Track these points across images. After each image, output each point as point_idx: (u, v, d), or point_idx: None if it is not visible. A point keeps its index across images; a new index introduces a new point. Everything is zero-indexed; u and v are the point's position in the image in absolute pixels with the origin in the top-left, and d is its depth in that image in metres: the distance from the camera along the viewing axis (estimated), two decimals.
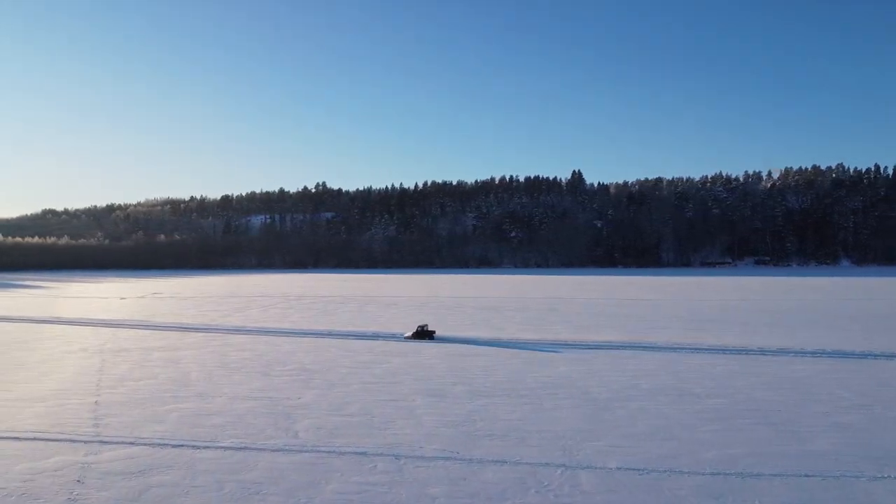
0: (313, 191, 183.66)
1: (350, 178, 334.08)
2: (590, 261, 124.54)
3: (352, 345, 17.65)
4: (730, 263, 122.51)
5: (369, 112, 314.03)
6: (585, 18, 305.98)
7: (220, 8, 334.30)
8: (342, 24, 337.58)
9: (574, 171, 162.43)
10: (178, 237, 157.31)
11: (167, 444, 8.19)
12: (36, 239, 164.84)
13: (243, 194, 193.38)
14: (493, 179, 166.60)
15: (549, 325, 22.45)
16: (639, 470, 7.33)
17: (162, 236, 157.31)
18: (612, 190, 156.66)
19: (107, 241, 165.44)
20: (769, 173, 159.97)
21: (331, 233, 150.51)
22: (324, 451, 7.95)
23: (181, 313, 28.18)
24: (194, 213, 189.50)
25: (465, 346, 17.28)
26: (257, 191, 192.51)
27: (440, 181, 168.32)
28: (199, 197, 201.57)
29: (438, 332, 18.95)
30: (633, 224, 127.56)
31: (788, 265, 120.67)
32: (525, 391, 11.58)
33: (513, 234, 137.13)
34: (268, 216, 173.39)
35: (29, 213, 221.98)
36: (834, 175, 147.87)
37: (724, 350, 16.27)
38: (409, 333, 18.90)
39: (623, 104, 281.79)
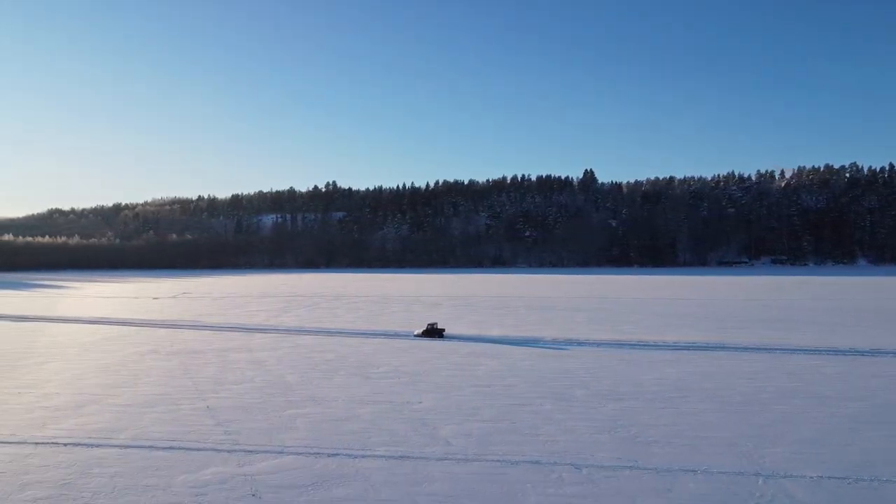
0: (323, 190, 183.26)
1: (360, 177, 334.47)
2: (605, 260, 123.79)
3: (429, 345, 17.05)
4: (746, 263, 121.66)
5: (378, 111, 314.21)
6: (590, 18, 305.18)
7: (223, 7, 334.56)
8: (349, 24, 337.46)
9: (586, 170, 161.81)
10: (189, 237, 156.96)
11: (320, 454, 7.62)
12: (46, 238, 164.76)
13: (251, 193, 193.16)
14: (504, 178, 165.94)
15: (617, 324, 21.83)
16: (845, 479, 6.77)
17: (173, 236, 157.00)
18: (624, 189, 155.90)
19: (118, 241, 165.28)
20: (781, 172, 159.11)
21: (343, 232, 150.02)
22: (493, 461, 7.38)
23: (225, 313, 27.66)
24: (204, 213, 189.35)
25: (550, 349, 16.67)
26: (266, 190, 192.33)
27: (451, 180, 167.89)
28: (206, 196, 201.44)
29: (512, 334, 18.37)
30: (649, 223, 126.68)
31: (805, 264, 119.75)
32: (649, 394, 10.99)
33: (527, 233, 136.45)
34: (279, 216, 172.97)
35: (35, 213, 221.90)
36: (848, 174, 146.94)
37: (833, 351, 15.64)
38: (419, 331, 18.61)
39: (632, 103, 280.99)
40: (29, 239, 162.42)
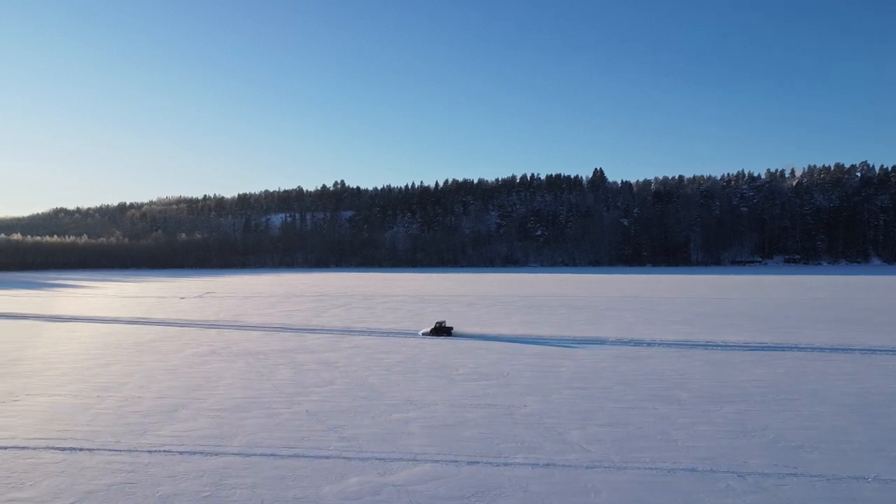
0: (331, 189, 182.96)
1: (367, 176, 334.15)
2: (617, 259, 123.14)
3: (493, 346, 16.61)
4: (759, 262, 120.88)
5: (385, 111, 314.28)
6: (597, 20, 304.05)
7: (227, 7, 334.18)
8: (355, 23, 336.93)
9: (596, 169, 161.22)
10: (198, 236, 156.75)
11: (458, 462, 7.19)
12: (55, 238, 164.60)
13: (257, 192, 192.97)
14: (513, 177, 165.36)
15: (670, 324, 21.34)
16: None
17: (183, 235, 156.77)
18: (634, 188, 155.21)
19: (127, 240, 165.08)
20: (792, 171, 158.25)
21: (353, 231, 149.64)
22: (645, 468, 6.95)
23: (261, 313, 27.27)
24: (212, 212, 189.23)
25: (619, 348, 16.21)
26: (273, 189, 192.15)
27: (460, 179, 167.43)
28: (212, 195, 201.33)
29: (567, 334, 17.91)
30: (661, 222, 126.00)
31: (819, 263, 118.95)
32: (756, 396, 10.57)
33: (538, 232, 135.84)
34: (288, 215, 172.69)
35: (40, 213, 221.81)
36: (859, 173, 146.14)
37: None
38: (428, 329, 18.63)
39: (640, 103, 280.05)
40: (38, 238, 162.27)
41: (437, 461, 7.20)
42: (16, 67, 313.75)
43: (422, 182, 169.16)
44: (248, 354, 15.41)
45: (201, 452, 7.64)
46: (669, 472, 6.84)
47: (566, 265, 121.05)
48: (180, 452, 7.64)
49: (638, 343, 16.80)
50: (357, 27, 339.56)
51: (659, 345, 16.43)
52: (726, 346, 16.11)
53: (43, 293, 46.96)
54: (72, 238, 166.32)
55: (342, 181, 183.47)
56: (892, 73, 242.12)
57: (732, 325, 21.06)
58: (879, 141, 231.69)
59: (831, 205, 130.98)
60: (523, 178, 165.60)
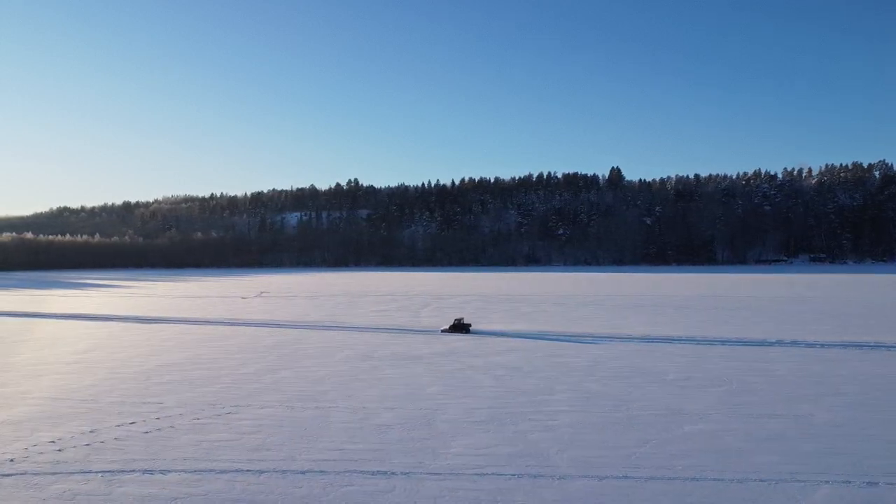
0: (345, 188, 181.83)
1: (381, 174, 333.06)
2: (641, 258, 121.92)
3: (586, 350, 15.57)
4: (785, 261, 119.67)
5: (398, 109, 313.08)
6: (611, 19, 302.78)
7: (228, 7, 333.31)
8: (367, 22, 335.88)
9: (613, 167, 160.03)
10: (214, 235, 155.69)
11: (657, 478, 6.04)
12: (67, 237, 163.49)
13: (267, 191, 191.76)
14: (531, 176, 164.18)
15: (753, 324, 20.29)
16: None
17: (199, 234, 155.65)
18: (653, 187, 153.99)
19: (141, 239, 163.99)
20: (809, 170, 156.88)
21: (371, 230, 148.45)
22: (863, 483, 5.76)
23: (347, 313, 26.34)
24: (226, 211, 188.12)
25: (730, 348, 15.07)
26: (286, 188, 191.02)
27: (476, 178, 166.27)
28: (219, 194, 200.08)
29: (663, 333, 16.89)
30: (684, 221, 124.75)
31: (845, 262, 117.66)
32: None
33: (560, 231, 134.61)
34: (304, 213, 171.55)
35: (44, 211, 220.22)
36: (877, 172, 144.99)
37: None
38: (447, 327, 18.91)
39: (649, 103, 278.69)
40: (51, 237, 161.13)
41: (637, 476, 6.03)
42: (15, 67, 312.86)
43: (438, 181, 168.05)
44: (408, 359, 14.31)
45: (500, 475, 6.51)
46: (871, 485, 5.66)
47: (589, 264, 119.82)
48: (478, 475, 6.51)
49: (749, 343, 15.63)
50: (362, 27, 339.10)
51: (740, 343, 15.28)
52: (831, 345, 15.12)
53: (94, 293, 45.93)
54: (84, 237, 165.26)
55: (356, 179, 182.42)
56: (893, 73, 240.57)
57: (818, 322, 19.89)
58: (881, 140, 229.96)
59: (855, 203, 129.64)
60: (540, 176, 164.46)
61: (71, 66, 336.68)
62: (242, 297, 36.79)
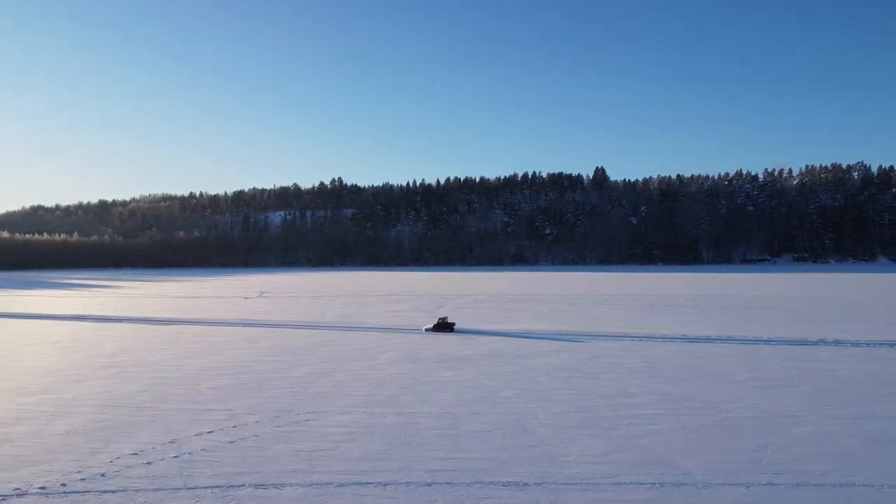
0: (329, 187, 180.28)
1: (364, 173, 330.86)
2: (628, 258, 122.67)
3: (631, 349, 15.33)
4: (769, 260, 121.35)
5: (382, 108, 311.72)
6: (592, 18, 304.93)
7: (212, 3, 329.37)
8: (353, 19, 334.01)
9: (597, 167, 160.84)
10: (197, 234, 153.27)
11: (803, 484, 5.79)
12: (45, 236, 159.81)
13: (247, 190, 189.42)
14: (516, 175, 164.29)
15: (780, 323, 20.17)
16: None
17: (181, 233, 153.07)
18: (637, 187, 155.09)
19: (120, 239, 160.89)
20: (789, 171, 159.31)
21: (356, 230, 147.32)
22: None
23: (369, 313, 25.76)
24: (207, 210, 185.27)
25: (780, 346, 14.97)
26: (268, 187, 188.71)
27: (462, 177, 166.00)
28: (199, 193, 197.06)
29: (712, 334, 16.72)
30: (669, 221, 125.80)
31: (827, 262, 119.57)
32: None
33: (547, 230, 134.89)
34: (287, 213, 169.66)
35: (17, 210, 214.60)
36: (856, 173, 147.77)
37: None
38: (431, 326, 19.21)
39: (634, 101, 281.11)
40: (28, 236, 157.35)
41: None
42: None
43: (423, 180, 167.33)
44: (457, 360, 13.91)
45: (625, 484, 6.14)
46: None
47: (576, 264, 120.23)
48: (597, 483, 6.13)
49: (856, 343, 15.53)
50: (346, 23, 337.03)
51: (772, 343, 15.19)
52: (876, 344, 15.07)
53: (86, 294, 44.71)
54: (63, 236, 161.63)
55: (340, 178, 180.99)
56: (867, 72, 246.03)
57: (844, 321, 19.94)
58: (858, 142, 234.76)
59: (836, 204, 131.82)
60: (525, 176, 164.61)
61: (42, 60, 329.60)
62: (245, 298, 36.01)
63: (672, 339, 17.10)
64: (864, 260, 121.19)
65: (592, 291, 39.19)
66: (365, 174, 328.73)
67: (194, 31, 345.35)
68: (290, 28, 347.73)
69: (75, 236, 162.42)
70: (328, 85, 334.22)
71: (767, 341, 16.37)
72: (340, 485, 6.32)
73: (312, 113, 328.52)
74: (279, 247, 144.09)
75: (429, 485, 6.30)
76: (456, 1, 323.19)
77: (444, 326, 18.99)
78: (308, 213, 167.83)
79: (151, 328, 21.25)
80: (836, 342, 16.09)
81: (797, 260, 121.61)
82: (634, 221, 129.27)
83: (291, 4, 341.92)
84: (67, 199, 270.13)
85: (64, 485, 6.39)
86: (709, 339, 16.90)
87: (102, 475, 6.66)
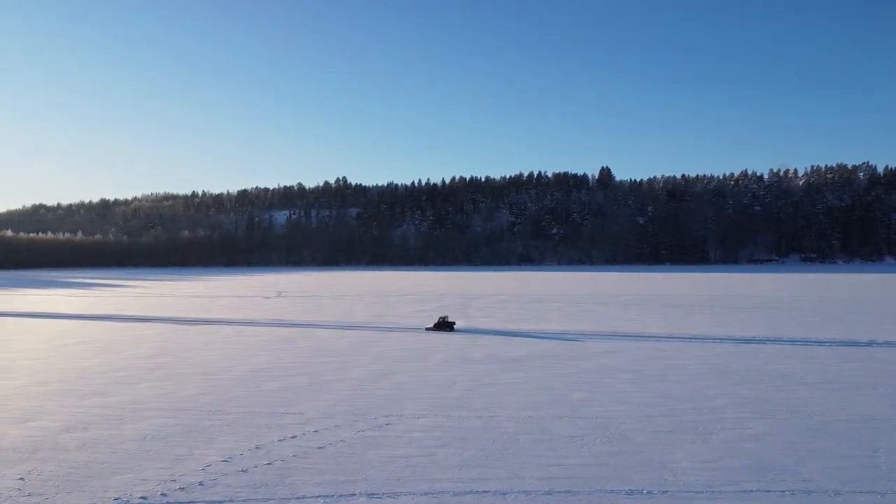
0: (334, 186, 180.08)
1: (369, 173, 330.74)
2: (635, 258, 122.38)
3: (685, 351, 15.06)
4: (777, 261, 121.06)
5: (387, 108, 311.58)
6: (597, 18, 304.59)
7: (216, 4, 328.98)
8: (357, 20, 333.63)
9: (603, 167, 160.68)
10: (201, 233, 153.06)
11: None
12: (49, 235, 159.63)
13: (251, 189, 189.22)
14: (521, 175, 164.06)
15: (820, 323, 19.90)
16: None
17: (185, 232, 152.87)
18: (643, 187, 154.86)
19: (125, 238, 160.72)
20: (794, 171, 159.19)
21: (362, 229, 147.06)
22: None
23: (386, 314, 25.61)
24: (211, 209, 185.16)
25: (837, 346, 14.69)
26: (271, 186, 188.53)
27: (467, 177, 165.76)
28: (202, 192, 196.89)
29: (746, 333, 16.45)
30: (676, 221, 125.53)
31: (835, 262, 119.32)
32: None
33: (553, 230, 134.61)
34: (293, 212, 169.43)
35: (17, 209, 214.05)
36: (862, 174, 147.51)
37: None
38: (431, 325, 19.24)
39: (636, 102, 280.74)
40: (31, 235, 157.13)
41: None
42: None
43: (428, 179, 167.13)
44: (512, 361, 13.64)
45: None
46: None
47: (583, 264, 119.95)
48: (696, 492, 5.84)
49: (854, 343, 15.26)
50: (351, 24, 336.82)
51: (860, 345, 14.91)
52: None
53: (101, 293, 44.46)
54: (67, 235, 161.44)
55: (344, 178, 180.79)
56: (869, 74, 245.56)
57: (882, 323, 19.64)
58: (863, 142, 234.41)
59: (843, 204, 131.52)
60: (530, 175, 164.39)
61: (42, 60, 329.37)
62: (265, 297, 35.74)
63: (720, 339, 16.85)
64: (872, 260, 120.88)
65: (619, 291, 38.96)
66: (368, 174, 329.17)
67: (195, 31, 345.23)
68: (290, 28, 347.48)
69: (79, 235, 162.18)
70: (329, 85, 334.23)
71: (820, 342, 16.08)
72: (456, 493, 6.04)
73: (313, 113, 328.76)
74: (284, 246, 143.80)
75: (548, 493, 6.03)
76: (457, 1, 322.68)
77: (444, 326, 18.91)
78: (313, 213, 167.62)
79: (184, 328, 20.98)
80: (887, 343, 15.82)
81: (805, 260, 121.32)
82: (641, 221, 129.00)
83: (292, 4, 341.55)
84: (68, 198, 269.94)
85: (165, 494, 6.11)
86: (758, 340, 16.63)
87: (200, 484, 6.38)
